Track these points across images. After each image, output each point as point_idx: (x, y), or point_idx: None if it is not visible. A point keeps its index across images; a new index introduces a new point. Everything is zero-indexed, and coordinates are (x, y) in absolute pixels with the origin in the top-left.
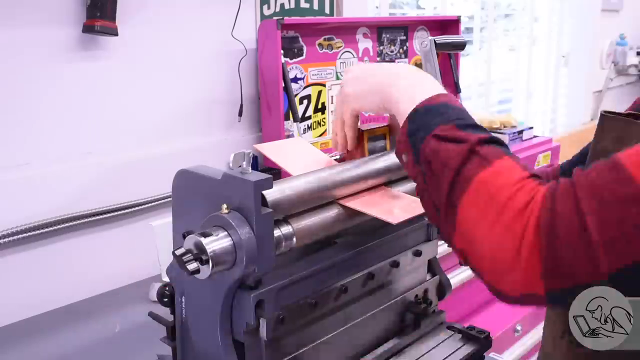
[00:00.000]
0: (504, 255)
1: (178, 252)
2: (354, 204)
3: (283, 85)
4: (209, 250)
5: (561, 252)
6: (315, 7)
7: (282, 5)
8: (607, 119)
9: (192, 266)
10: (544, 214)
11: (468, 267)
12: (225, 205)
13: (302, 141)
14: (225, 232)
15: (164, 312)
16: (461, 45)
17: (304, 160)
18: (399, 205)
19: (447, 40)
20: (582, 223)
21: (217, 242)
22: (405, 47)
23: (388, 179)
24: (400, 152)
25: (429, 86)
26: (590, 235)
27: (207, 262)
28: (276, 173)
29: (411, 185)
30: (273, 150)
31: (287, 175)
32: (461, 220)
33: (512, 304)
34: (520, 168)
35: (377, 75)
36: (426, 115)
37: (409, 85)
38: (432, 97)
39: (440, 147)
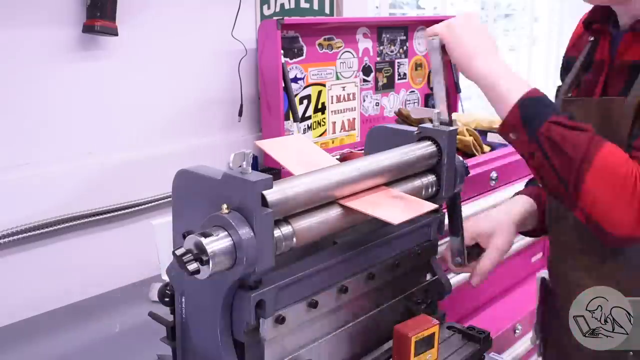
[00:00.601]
0: (622, 210)
1: (178, 252)
2: (354, 204)
3: (283, 85)
4: (209, 251)
5: None
6: (315, 7)
7: (282, 5)
8: (565, 102)
9: (192, 266)
10: None
11: (587, 224)
12: (225, 205)
13: (303, 138)
14: (226, 232)
15: (164, 312)
16: None
17: (305, 159)
18: (400, 206)
19: None
20: None
21: (217, 242)
22: (405, 47)
23: (388, 179)
24: (508, 132)
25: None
26: None
27: (207, 262)
28: (276, 173)
29: (412, 184)
30: (274, 147)
31: (288, 175)
32: (588, 189)
33: (618, 245)
34: (620, 150)
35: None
36: (537, 105)
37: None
38: (533, 89)
39: (566, 133)
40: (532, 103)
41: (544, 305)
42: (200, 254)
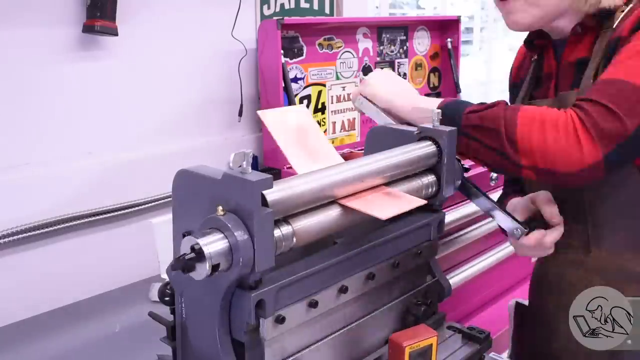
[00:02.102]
0: (563, 145)
1: (176, 257)
2: (349, 202)
3: (283, 85)
4: (205, 253)
5: (601, 123)
6: (315, 7)
7: (282, 5)
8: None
9: (191, 269)
10: (581, 114)
11: (538, 179)
12: (220, 207)
13: (304, 112)
14: (222, 234)
15: (164, 312)
16: None
17: (302, 140)
18: (391, 202)
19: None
20: (606, 108)
21: (213, 245)
22: (405, 47)
23: (388, 179)
24: None
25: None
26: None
27: (204, 264)
28: (276, 173)
29: (411, 184)
30: (273, 121)
31: (287, 175)
32: (523, 143)
33: (578, 182)
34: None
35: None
36: (452, 105)
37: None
38: (448, 99)
39: (483, 114)
40: (448, 106)
41: (518, 333)
42: (197, 257)
